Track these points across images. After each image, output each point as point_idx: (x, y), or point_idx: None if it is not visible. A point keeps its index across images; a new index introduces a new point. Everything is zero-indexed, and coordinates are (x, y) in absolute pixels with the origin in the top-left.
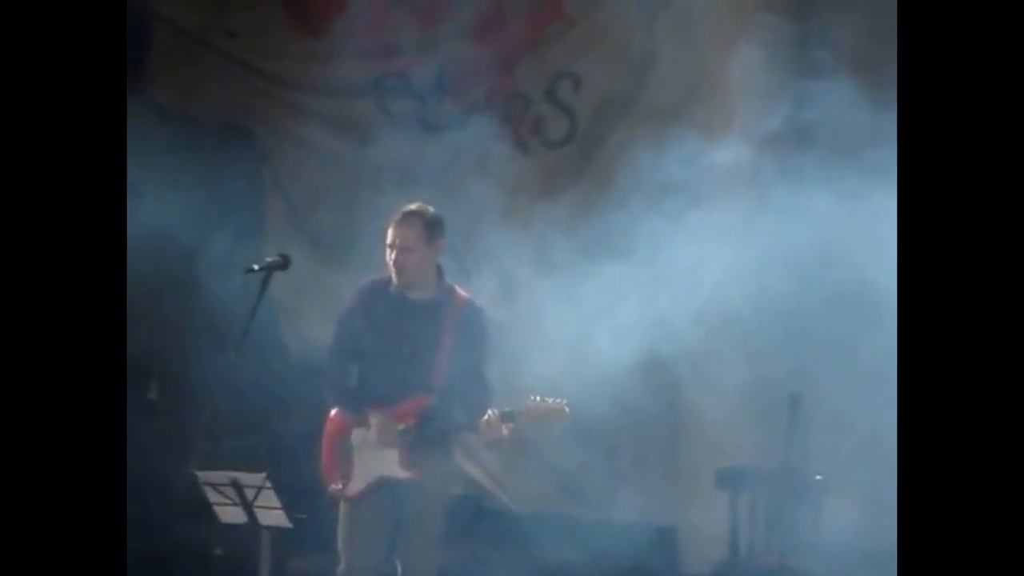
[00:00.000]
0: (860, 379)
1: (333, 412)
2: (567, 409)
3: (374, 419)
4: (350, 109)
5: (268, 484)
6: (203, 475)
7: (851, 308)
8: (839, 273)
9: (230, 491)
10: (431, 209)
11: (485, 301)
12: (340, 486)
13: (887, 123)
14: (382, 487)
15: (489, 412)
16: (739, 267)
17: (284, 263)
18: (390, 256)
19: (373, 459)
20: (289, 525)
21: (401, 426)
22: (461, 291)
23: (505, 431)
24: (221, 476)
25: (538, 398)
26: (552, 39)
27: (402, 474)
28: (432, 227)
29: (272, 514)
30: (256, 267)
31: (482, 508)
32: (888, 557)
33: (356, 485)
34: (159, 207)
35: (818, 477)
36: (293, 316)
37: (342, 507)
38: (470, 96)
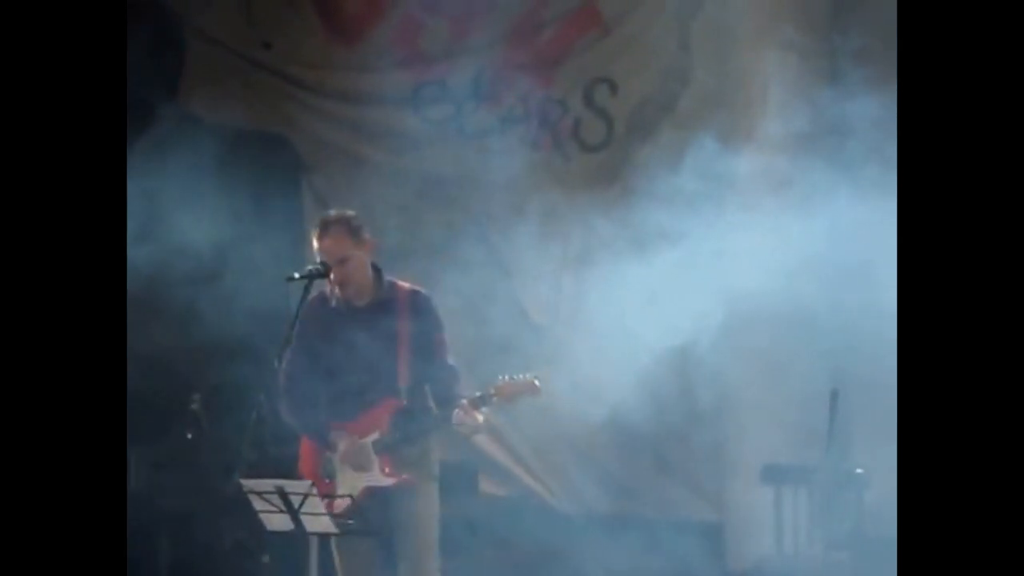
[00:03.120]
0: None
1: (304, 438)
2: (537, 383)
3: (343, 437)
4: (387, 117)
5: (314, 491)
6: (249, 483)
7: (885, 306)
8: (872, 273)
9: (276, 499)
10: (347, 212)
11: (528, 304)
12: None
13: None
14: (369, 498)
15: (461, 405)
16: (774, 268)
17: (325, 271)
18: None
19: (355, 472)
20: (336, 531)
21: (375, 435)
22: (403, 284)
23: (480, 417)
24: (266, 484)
25: (507, 376)
26: (588, 45)
27: (386, 481)
28: (357, 229)
29: (318, 520)
30: (297, 275)
31: (527, 508)
32: None
33: (343, 502)
34: (199, 217)
35: (859, 471)
36: None
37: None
38: (507, 102)
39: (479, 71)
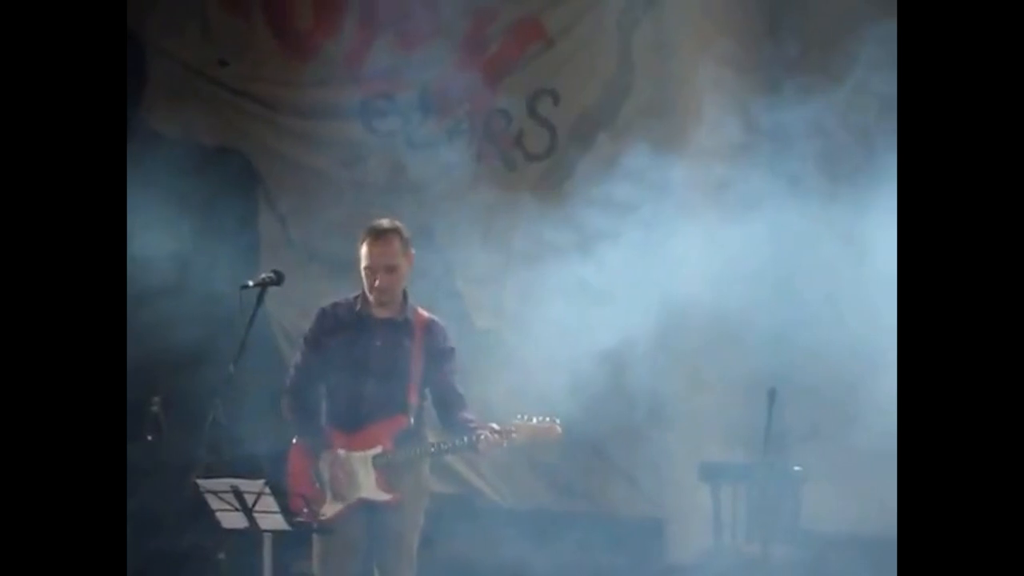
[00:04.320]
0: (833, 374)
1: (295, 440)
2: (559, 428)
3: (343, 443)
4: (338, 130)
5: (267, 490)
6: (204, 483)
7: (823, 307)
8: (811, 278)
9: (231, 497)
10: (399, 222)
11: (472, 310)
12: (306, 510)
13: (854, 136)
14: (359, 509)
15: (484, 433)
16: (712, 271)
17: (278, 279)
18: (371, 277)
19: (349, 482)
20: (288, 528)
21: (377, 449)
22: (422, 311)
23: (504, 443)
24: (222, 483)
25: (525, 417)
26: (532, 58)
27: (382, 497)
28: (406, 241)
29: (271, 518)
30: (251, 283)
31: (473, 507)
32: (864, 542)
33: (332, 508)
34: (156, 228)
35: (797, 468)
36: (289, 329)
37: (317, 529)
38: (453, 114)
39: (426, 84)
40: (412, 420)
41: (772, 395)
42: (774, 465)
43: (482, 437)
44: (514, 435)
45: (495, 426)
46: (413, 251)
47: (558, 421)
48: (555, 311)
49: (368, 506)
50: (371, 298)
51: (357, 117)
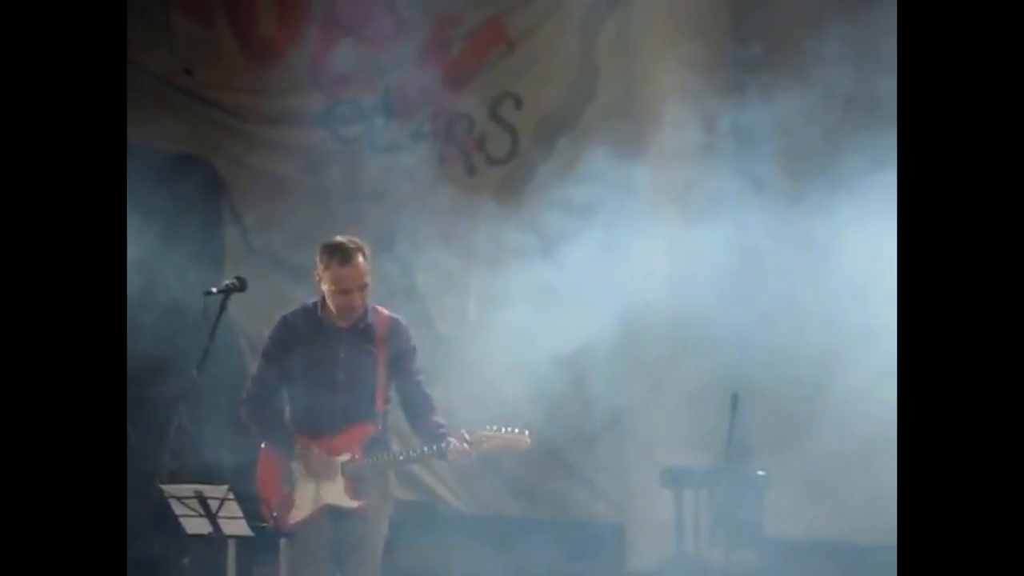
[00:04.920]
0: (795, 378)
1: (263, 445)
2: (528, 440)
3: (311, 451)
4: (303, 136)
5: (231, 496)
6: (168, 488)
7: (785, 310)
8: (774, 280)
9: (195, 503)
10: (356, 239)
11: (434, 314)
12: (275, 515)
13: (819, 137)
14: (326, 515)
15: (453, 441)
16: (675, 274)
17: (241, 285)
18: (344, 298)
19: (316, 488)
20: (251, 534)
21: (345, 456)
22: (382, 309)
23: (474, 454)
24: (186, 489)
25: (495, 428)
26: (494, 62)
27: (350, 504)
28: (367, 256)
29: (235, 524)
30: (214, 290)
31: (434, 512)
32: (826, 546)
33: (299, 514)
34: None
35: (760, 473)
36: (252, 335)
37: (284, 536)
38: (416, 118)
39: (388, 89)
40: (379, 427)
41: (735, 400)
42: (737, 470)
43: (451, 446)
44: (484, 445)
45: (465, 435)
46: (367, 263)
47: (527, 432)
48: (517, 315)
49: (334, 512)
50: (334, 311)
51: (321, 123)
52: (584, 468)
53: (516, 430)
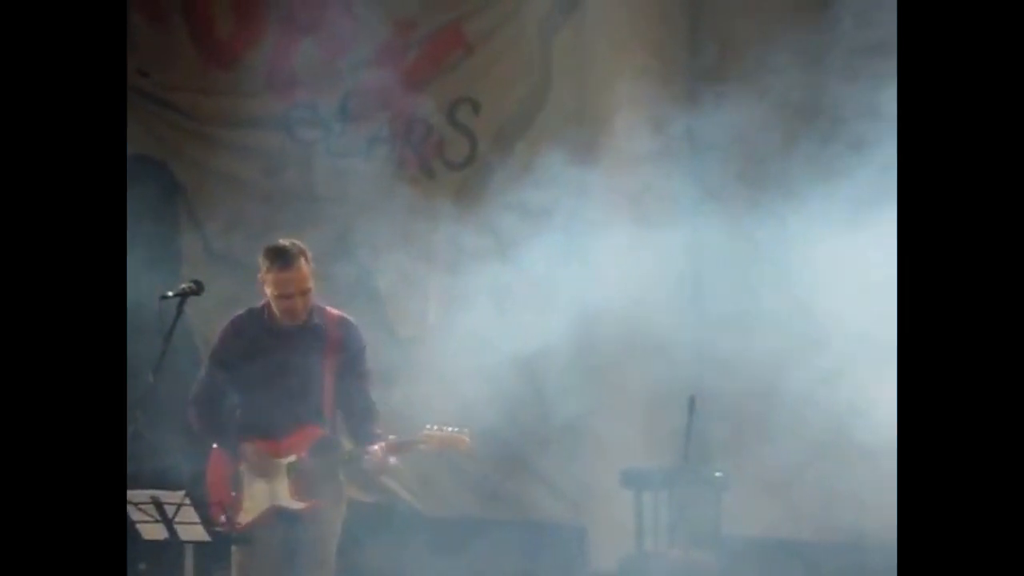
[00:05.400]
0: (752, 381)
1: (214, 447)
2: (467, 440)
3: (257, 452)
4: (261, 139)
5: (187, 501)
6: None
7: (741, 315)
8: (729, 286)
9: (151, 508)
10: (298, 242)
11: (394, 318)
12: (225, 518)
13: (768, 145)
14: (274, 517)
15: (377, 447)
16: (633, 277)
17: (197, 289)
18: (285, 303)
19: (263, 490)
20: (208, 539)
21: (291, 458)
22: (331, 309)
23: (392, 460)
24: (142, 495)
25: (435, 427)
26: (452, 66)
27: (295, 505)
28: (309, 259)
29: (192, 529)
30: (170, 293)
31: (394, 513)
32: (784, 546)
33: (247, 516)
34: None
35: (718, 474)
36: (210, 340)
37: (234, 538)
38: (374, 123)
39: (347, 93)
40: (327, 428)
41: (692, 402)
42: (695, 471)
43: (366, 455)
44: (422, 446)
45: (392, 438)
46: (310, 263)
47: (466, 431)
48: (476, 318)
49: (284, 515)
50: (277, 314)
51: (278, 126)
52: (544, 469)
53: (455, 429)
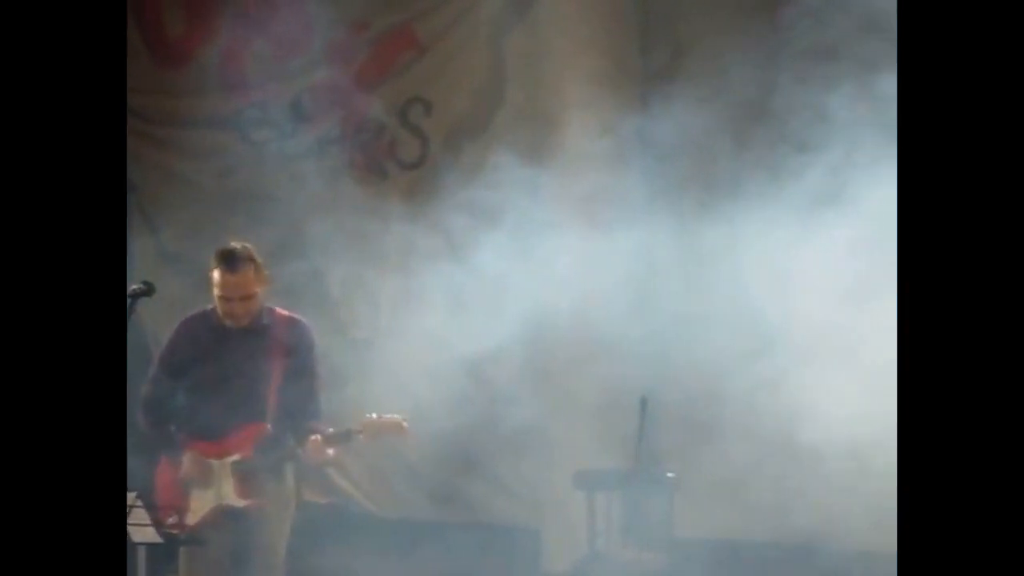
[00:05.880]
0: (701, 383)
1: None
2: (405, 424)
3: (203, 452)
4: (213, 140)
5: (139, 503)
6: None
7: (693, 317)
8: (679, 287)
9: None
10: (248, 244)
11: (346, 319)
12: (175, 519)
13: (720, 149)
14: (221, 517)
15: (312, 437)
16: (583, 282)
17: (149, 290)
18: (226, 305)
19: (209, 490)
20: (160, 540)
21: (236, 456)
22: (281, 310)
23: (331, 452)
24: None
25: (375, 415)
26: (404, 67)
27: (240, 503)
28: (259, 266)
29: (144, 531)
30: None
31: (348, 515)
32: (734, 545)
33: (194, 517)
34: None
35: (670, 475)
36: (162, 340)
37: (183, 540)
38: (326, 123)
39: (299, 93)
40: (271, 426)
41: (644, 403)
42: (647, 472)
43: (306, 444)
44: (359, 435)
45: (330, 430)
46: (265, 272)
47: (403, 415)
48: (428, 319)
49: (230, 514)
50: (220, 314)
51: (230, 127)
52: (497, 471)
53: (393, 415)
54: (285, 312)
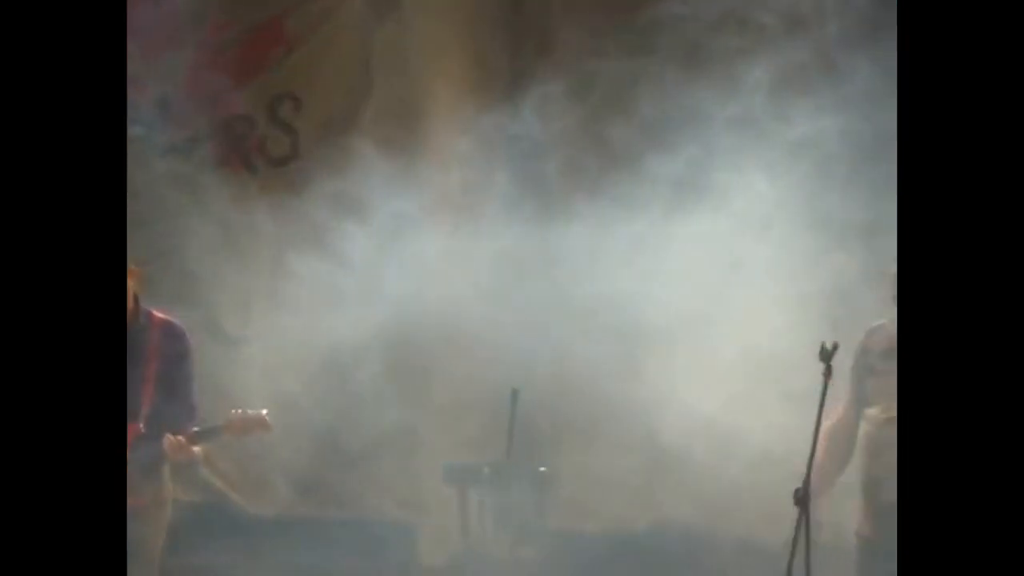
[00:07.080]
0: (570, 379)
1: None
2: (268, 420)
3: None
4: None
5: None
6: None
7: (566, 306)
8: (547, 282)
9: None
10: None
11: (222, 318)
12: None
13: (591, 148)
14: None
15: (179, 436)
16: (453, 277)
17: None
18: None
19: None
20: None
21: None
22: (158, 313)
23: (196, 450)
24: None
25: (239, 411)
26: (273, 63)
27: None
28: (133, 269)
29: None
30: None
31: (221, 513)
32: (611, 540)
33: None
34: None
35: (542, 468)
36: None
37: None
38: (195, 121)
39: (166, 92)
40: (144, 427)
41: (515, 396)
42: (519, 466)
43: (168, 442)
44: (226, 431)
45: (195, 428)
46: (134, 267)
47: (266, 412)
48: (298, 316)
49: None
50: None
51: None
52: (372, 467)
53: (258, 411)
54: (160, 315)
